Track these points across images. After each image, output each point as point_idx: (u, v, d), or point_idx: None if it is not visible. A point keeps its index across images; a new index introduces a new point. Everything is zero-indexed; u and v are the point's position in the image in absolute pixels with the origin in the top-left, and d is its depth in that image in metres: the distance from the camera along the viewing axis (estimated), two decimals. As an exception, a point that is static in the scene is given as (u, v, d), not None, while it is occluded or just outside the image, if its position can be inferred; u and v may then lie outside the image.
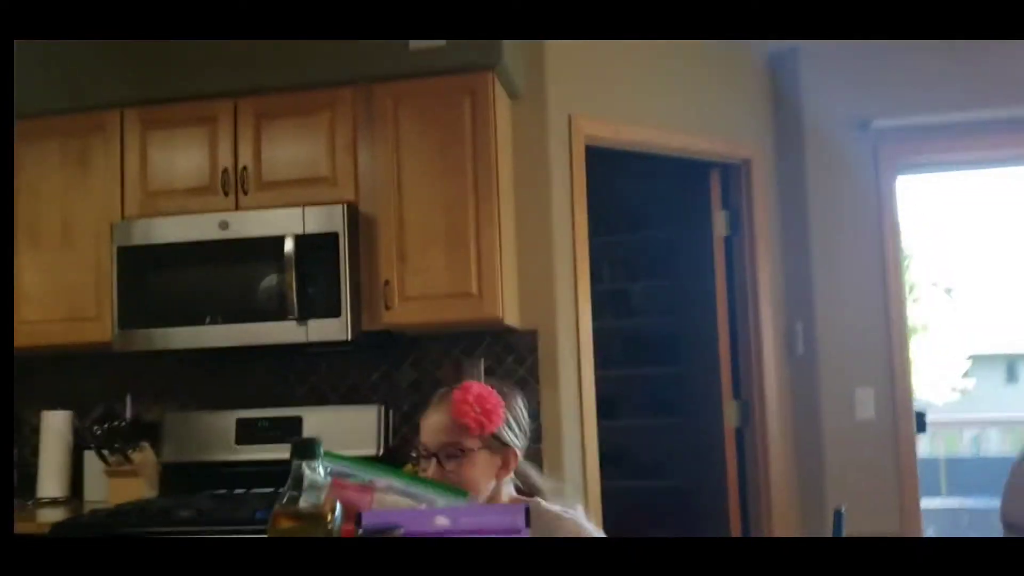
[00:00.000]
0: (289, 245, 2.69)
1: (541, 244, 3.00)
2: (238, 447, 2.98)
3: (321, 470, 1.04)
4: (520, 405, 1.50)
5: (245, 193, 2.86)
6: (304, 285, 2.69)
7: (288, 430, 2.96)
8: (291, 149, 2.86)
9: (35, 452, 3.11)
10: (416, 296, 2.74)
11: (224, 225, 2.78)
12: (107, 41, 2.86)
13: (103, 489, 2.98)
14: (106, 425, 2.96)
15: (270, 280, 2.72)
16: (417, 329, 2.86)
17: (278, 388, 3.13)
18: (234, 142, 2.88)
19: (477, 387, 1.44)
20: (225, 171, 2.88)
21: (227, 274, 2.78)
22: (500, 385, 1.51)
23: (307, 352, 3.03)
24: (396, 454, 2.96)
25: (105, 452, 2.95)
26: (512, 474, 1.48)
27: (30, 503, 3.00)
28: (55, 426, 3.10)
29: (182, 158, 2.92)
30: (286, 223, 2.74)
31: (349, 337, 2.69)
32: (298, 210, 2.75)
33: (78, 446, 3.10)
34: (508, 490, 1.48)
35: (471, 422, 1.39)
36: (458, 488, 1.20)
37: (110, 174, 2.96)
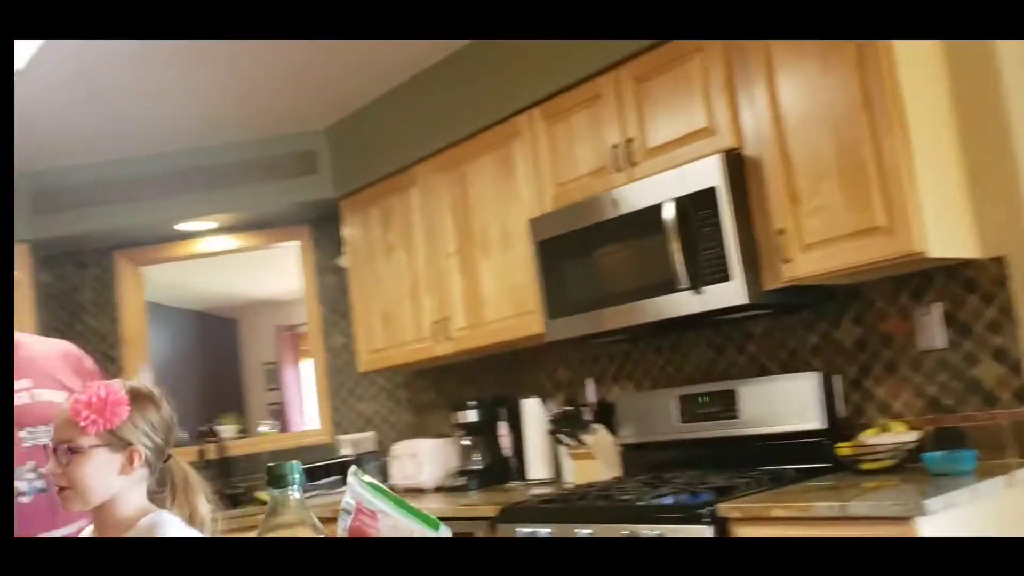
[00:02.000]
0: (668, 211, 2.51)
1: (996, 153, 2.29)
2: (681, 426, 2.88)
3: (297, 494, 0.97)
4: (156, 402, 1.50)
5: (634, 165, 2.76)
6: (693, 250, 2.49)
7: (725, 406, 2.76)
8: (669, 108, 2.67)
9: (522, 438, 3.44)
10: (816, 242, 2.32)
11: (614, 203, 2.72)
12: (510, 47, 3.05)
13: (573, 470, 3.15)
14: (564, 410, 3.12)
15: (658, 251, 2.58)
16: (827, 279, 2.42)
17: (719, 361, 2.94)
18: (620, 115, 2.81)
19: (98, 385, 1.45)
20: (615, 147, 2.82)
21: (621, 252, 2.71)
22: (140, 388, 1.51)
23: (732, 321, 2.79)
24: (845, 425, 2.55)
25: (562, 436, 3.11)
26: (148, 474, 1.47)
27: (521, 484, 3.32)
28: (532, 413, 3.38)
29: (580, 144, 2.95)
30: (664, 188, 2.57)
31: (748, 300, 2.40)
32: (674, 172, 2.56)
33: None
34: (139, 491, 1.47)
35: (83, 420, 1.40)
36: (432, 519, 1.01)
37: (529, 175, 3.13)
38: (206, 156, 4.15)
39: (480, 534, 2.77)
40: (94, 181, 4.16)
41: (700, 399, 2.84)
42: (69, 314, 4.47)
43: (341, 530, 1.06)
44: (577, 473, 3.09)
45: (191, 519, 1.49)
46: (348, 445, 4.20)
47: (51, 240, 4.23)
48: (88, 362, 2.11)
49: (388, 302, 3.77)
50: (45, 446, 1.82)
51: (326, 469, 4.01)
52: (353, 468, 1.06)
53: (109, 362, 4.44)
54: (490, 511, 2.76)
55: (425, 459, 3.65)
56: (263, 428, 5.18)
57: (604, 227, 2.75)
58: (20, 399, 1.89)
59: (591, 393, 3.22)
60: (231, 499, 4.12)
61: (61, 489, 1.42)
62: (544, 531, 2.53)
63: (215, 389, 7.59)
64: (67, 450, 1.41)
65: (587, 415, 3.10)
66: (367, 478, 1.04)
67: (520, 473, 3.40)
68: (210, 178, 4.15)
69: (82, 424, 1.40)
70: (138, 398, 1.47)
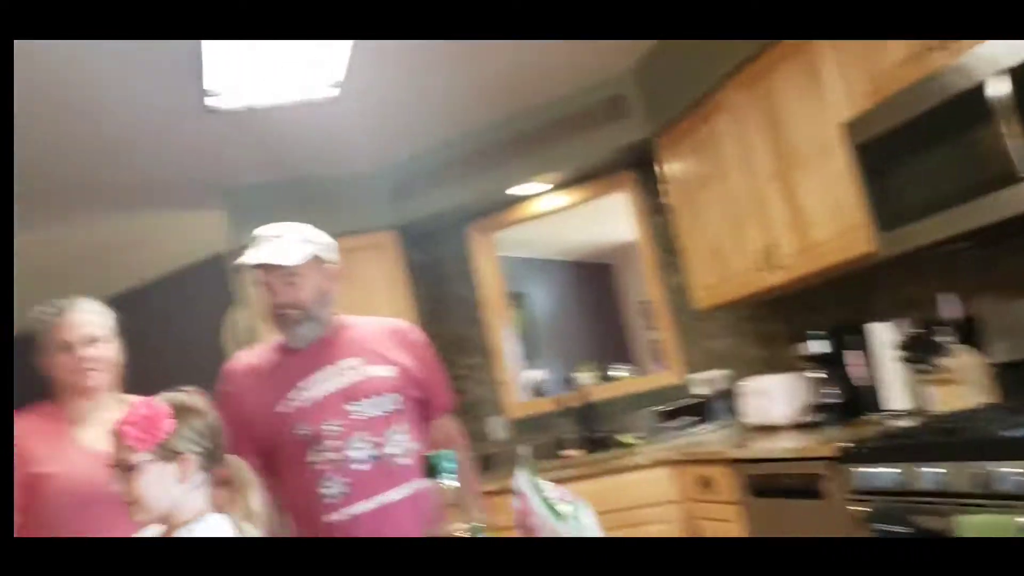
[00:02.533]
0: (994, 87, 2.07)
1: None
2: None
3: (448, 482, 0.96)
4: (199, 410, 1.60)
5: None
6: (1038, 128, 2.03)
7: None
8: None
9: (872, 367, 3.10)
10: None
11: (940, 87, 2.31)
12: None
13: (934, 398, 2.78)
14: (916, 332, 2.76)
15: (985, 139, 2.14)
16: None
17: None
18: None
19: (139, 404, 1.55)
20: (930, 21, 2.38)
21: (955, 143, 2.29)
22: (183, 400, 1.60)
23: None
24: None
25: (916, 362, 2.75)
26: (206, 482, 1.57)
27: (878, 416, 3.00)
28: (883, 338, 3.03)
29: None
30: (996, 60, 2.11)
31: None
32: (1001, 43, 2.09)
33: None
34: (198, 495, 1.55)
35: (131, 440, 1.51)
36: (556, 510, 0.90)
37: (836, 75, 2.78)
38: (523, 121, 4.30)
39: (824, 474, 2.56)
40: (437, 164, 4.53)
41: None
42: (436, 286, 4.94)
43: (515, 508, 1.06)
44: (941, 401, 2.72)
45: (247, 516, 1.59)
46: (701, 384, 4.14)
47: (411, 223, 4.69)
48: (414, 334, 2.29)
49: (713, 235, 3.62)
50: (372, 417, 2.04)
51: (680, 410, 4.00)
52: (521, 457, 1.04)
53: (473, 324, 4.84)
54: (828, 451, 2.55)
55: (775, 395, 3.47)
56: (617, 373, 5.28)
57: (930, 116, 2.35)
58: (349, 377, 2.10)
59: (949, 309, 2.80)
60: (594, 443, 4.29)
61: (128, 503, 1.51)
62: (890, 472, 2.27)
63: (600, 334, 7.92)
64: (123, 469, 1.50)
65: (944, 335, 2.71)
66: (527, 470, 1.02)
67: (876, 405, 3.08)
68: (532, 141, 4.30)
69: (130, 444, 1.50)
70: (181, 409, 1.57)
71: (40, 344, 2.09)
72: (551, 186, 4.54)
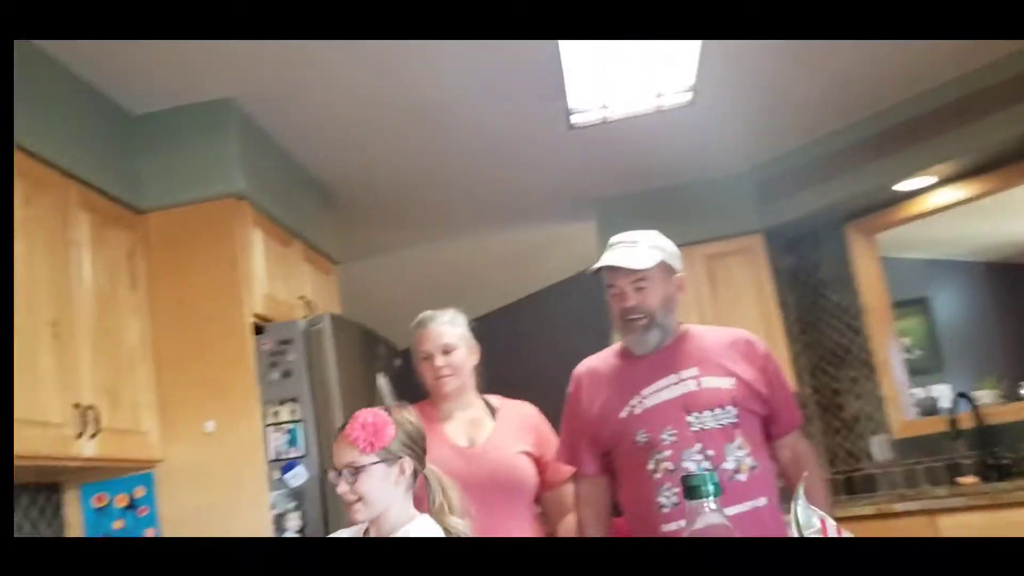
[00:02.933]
0: None
1: None
2: None
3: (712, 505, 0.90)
4: (411, 421, 1.78)
5: None
6: None
7: None
8: None
9: None
10: None
11: None
12: None
13: None
14: None
15: None
16: None
17: None
18: None
19: (364, 413, 1.71)
20: None
21: None
22: (399, 407, 1.81)
23: None
24: None
25: None
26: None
27: None
28: None
29: None
30: None
31: None
32: None
33: None
34: (408, 498, 1.73)
35: (361, 443, 1.67)
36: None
37: None
38: (904, 110, 3.91)
39: None
40: (805, 163, 4.30)
41: None
42: (810, 292, 4.68)
43: None
44: None
45: (447, 519, 1.70)
46: None
47: (780, 226, 4.50)
48: (759, 347, 2.21)
49: None
50: (709, 429, 2.03)
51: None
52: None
53: (853, 334, 4.50)
54: None
55: None
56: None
57: None
58: (687, 387, 2.09)
59: None
60: (995, 471, 3.76)
61: (351, 503, 1.65)
62: None
63: (1014, 346, 6.91)
64: (352, 470, 1.65)
65: None
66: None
67: None
68: (916, 131, 3.90)
69: (361, 447, 1.66)
70: (399, 419, 1.72)
71: (412, 353, 2.37)
72: (935, 180, 4.07)
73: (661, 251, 2.14)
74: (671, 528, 2.00)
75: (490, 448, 2.22)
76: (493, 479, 2.17)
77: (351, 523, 1.72)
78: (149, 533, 2.64)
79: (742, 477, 2.02)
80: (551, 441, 2.32)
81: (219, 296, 2.80)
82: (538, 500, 2.31)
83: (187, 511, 2.65)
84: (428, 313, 2.32)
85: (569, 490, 2.31)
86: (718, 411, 2.06)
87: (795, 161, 4.35)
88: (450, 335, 2.28)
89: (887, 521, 3.54)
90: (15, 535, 2.47)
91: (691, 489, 0.92)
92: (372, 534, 1.69)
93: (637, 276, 2.07)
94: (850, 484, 4.44)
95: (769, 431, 2.17)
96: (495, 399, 2.36)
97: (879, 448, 4.39)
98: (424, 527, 1.66)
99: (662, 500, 2.02)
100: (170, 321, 2.81)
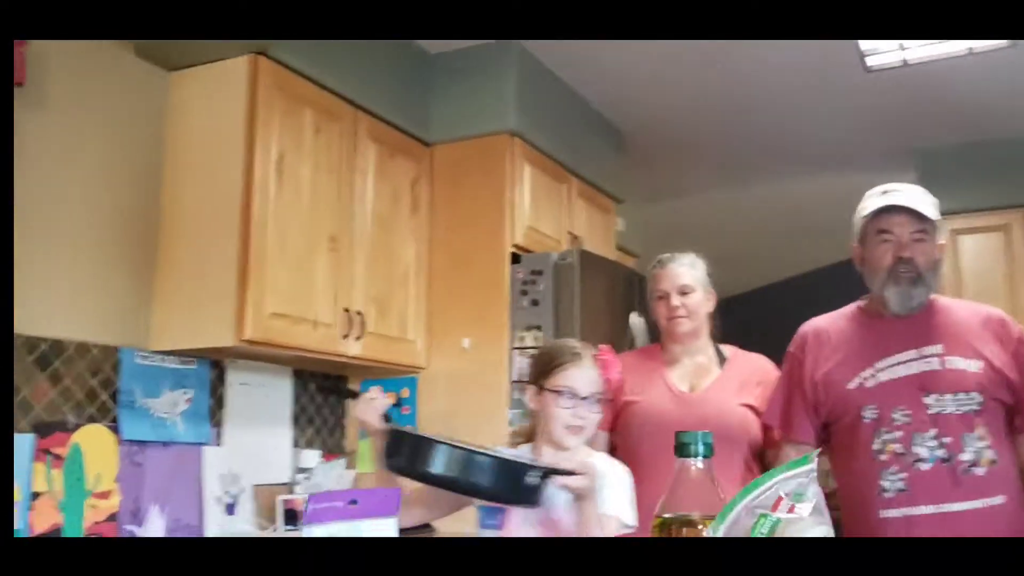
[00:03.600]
0: None
1: None
2: None
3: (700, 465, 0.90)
4: None
5: None
6: None
7: None
8: None
9: None
10: None
11: None
12: None
13: None
14: None
15: None
16: None
17: None
18: None
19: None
20: None
21: None
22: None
23: None
24: None
25: None
26: None
27: None
28: None
29: None
30: None
31: None
32: None
33: None
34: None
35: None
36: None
37: None
38: None
39: None
40: None
41: None
42: None
43: None
44: None
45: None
46: None
47: None
48: (1015, 328, 1.97)
49: None
50: (948, 414, 1.88)
51: None
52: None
53: None
54: None
55: None
56: None
57: None
58: (929, 364, 1.91)
59: None
60: None
61: (581, 429, 1.69)
62: None
63: None
64: (600, 400, 1.72)
65: None
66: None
67: None
68: None
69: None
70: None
71: (648, 292, 2.34)
72: None
73: (936, 207, 1.96)
74: (891, 515, 1.86)
75: (710, 396, 2.16)
76: (704, 427, 2.07)
77: (564, 446, 1.71)
78: (408, 430, 2.99)
79: (980, 471, 1.83)
80: None
81: (486, 225, 3.04)
82: (760, 456, 2.20)
83: (439, 415, 2.96)
84: (668, 254, 2.30)
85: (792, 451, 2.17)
86: (961, 396, 1.87)
87: None
88: (688, 276, 2.22)
89: None
90: (306, 408, 2.97)
91: (681, 446, 0.91)
92: (546, 459, 1.71)
93: (919, 227, 1.91)
94: None
95: (1015, 422, 1.93)
96: (729, 349, 2.29)
97: None
98: (603, 463, 1.71)
99: (885, 484, 1.87)
100: (442, 245, 3.11)
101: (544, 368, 1.73)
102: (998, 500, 1.82)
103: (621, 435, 2.21)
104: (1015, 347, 1.92)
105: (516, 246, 3.06)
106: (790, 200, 5.04)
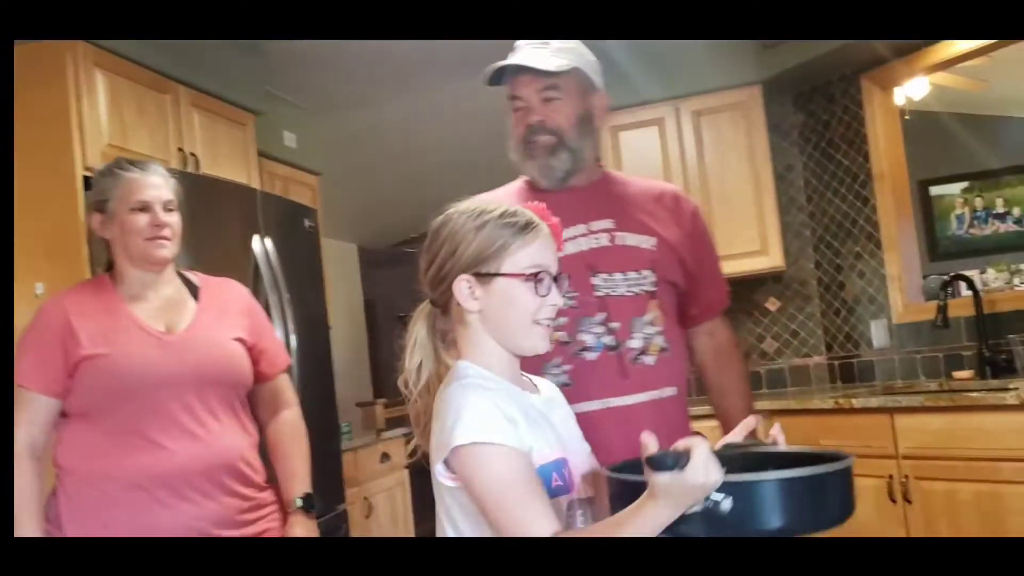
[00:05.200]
0: None
1: None
2: None
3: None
4: None
5: None
6: None
7: None
8: None
9: None
10: None
11: None
12: None
13: None
14: None
15: None
16: None
17: None
18: None
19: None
20: None
21: None
22: None
23: None
24: None
25: None
26: None
27: None
28: None
29: None
30: None
31: None
32: None
33: None
34: None
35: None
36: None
37: None
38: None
39: None
40: (810, -1, 3.69)
41: None
42: (821, 154, 4.16)
43: None
44: None
45: None
46: None
47: (785, 76, 3.96)
48: (688, 204, 1.86)
49: None
50: (617, 296, 1.71)
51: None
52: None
53: (861, 204, 3.99)
54: None
55: None
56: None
57: None
58: (598, 240, 1.74)
59: None
60: (989, 365, 3.32)
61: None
62: None
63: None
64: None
65: None
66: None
67: None
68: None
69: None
70: None
71: (102, 203, 1.83)
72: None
73: (578, 56, 1.76)
74: None
75: (196, 334, 1.82)
76: (200, 372, 1.77)
77: (537, 352, 1.34)
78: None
79: (649, 360, 1.71)
80: (266, 325, 2.00)
81: (49, 147, 2.61)
82: (249, 394, 1.93)
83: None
84: (139, 160, 1.90)
85: (286, 381, 2.00)
86: (632, 275, 1.72)
87: (796, -2, 3.75)
88: (171, 190, 1.85)
89: (847, 416, 3.19)
90: None
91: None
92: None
93: (546, 83, 1.71)
94: (847, 370, 4.05)
95: (688, 312, 1.84)
96: (194, 275, 1.94)
97: (877, 333, 3.96)
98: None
99: (547, 378, 1.67)
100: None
101: (489, 246, 1.26)
102: (668, 392, 1.73)
103: (80, 401, 1.75)
104: (690, 225, 1.82)
105: (92, 169, 2.64)
106: (492, 104, 4.81)
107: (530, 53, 1.73)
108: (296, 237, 3.14)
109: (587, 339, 1.69)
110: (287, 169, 3.95)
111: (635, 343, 1.70)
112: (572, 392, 1.61)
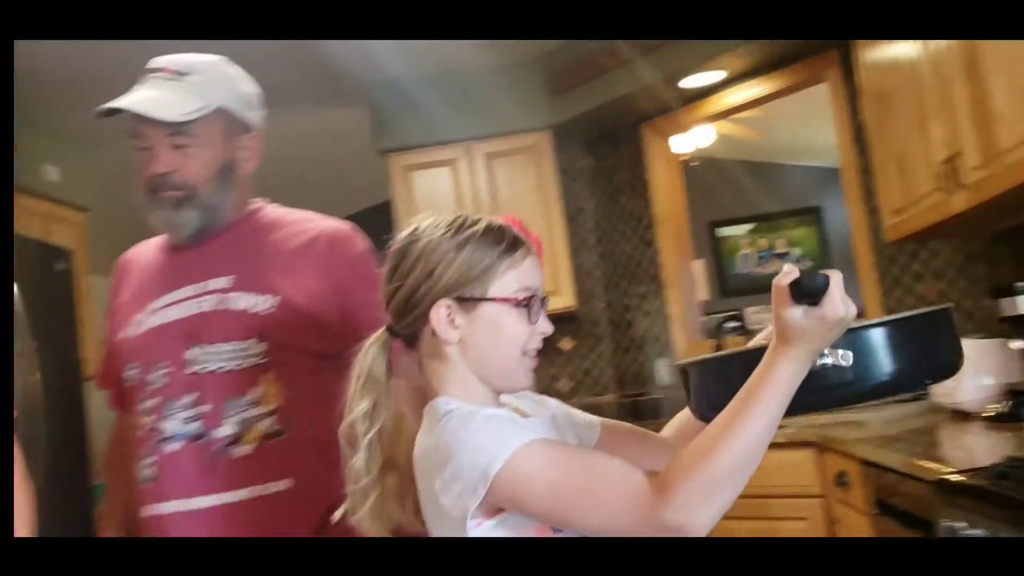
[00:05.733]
0: None
1: None
2: None
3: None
4: None
5: None
6: None
7: None
8: None
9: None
10: None
11: None
12: None
13: None
14: None
15: None
16: None
17: None
18: None
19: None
20: None
21: None
22: None
23: None
24: None
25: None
26: None
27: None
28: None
29: None
30: None
31: None
32: None
33: None
34: None
35: None
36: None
37: None
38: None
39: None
40: (598, 48, 3.85)
41: None
42: (608, 198, 4.33)
43: None
44: None
45: None
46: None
47: (575, 123, 4.10)
48: (349, 248, 1.54)
49: (898, 138, 2.65)
50: (216, 373, 1.44)
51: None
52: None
53: (645, 246, 4.17)
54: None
55: (966, 369, 2.49)
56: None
57: None
58: (201, 305, 1.47)
59: None
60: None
61: None
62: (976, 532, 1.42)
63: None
64: None
65: None
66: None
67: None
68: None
69: None
70: None
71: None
72: (725, 75, 3.69)
73: (223, 90, 1.51)
74: (146, 513, 1.46)
75: None
76: None
77: (521, 388, 1.19)
78: None
79: (245, 449, 1.42)
80: None
81: None
82: None
83: None
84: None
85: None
86: (235, 345, 1.43)
87: (584, 49, 3.91)
88: None
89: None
90: None
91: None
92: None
93: (173, 131, 1.45)
94: (637, 408, 4.20)
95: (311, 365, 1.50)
96: None
97: (663, 372, 4.14)
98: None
99: (144, 471, 1.46)
100: None
101: (473, 266, 1.09)
102: (278, 487, 1.41)
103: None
104: (345, 272, 1.51)
105: None
106: (278, 131, 4.71)
107: (153, 93, 1.46)
108: (46, 280, 2.92)
109: (169, 427, 1.43)
110: (48, 205, 3.70)
111: (225, 430, 1.41)
112: (152, 491, 1.44)
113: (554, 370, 4.33)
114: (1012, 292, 2.34)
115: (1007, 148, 1.98)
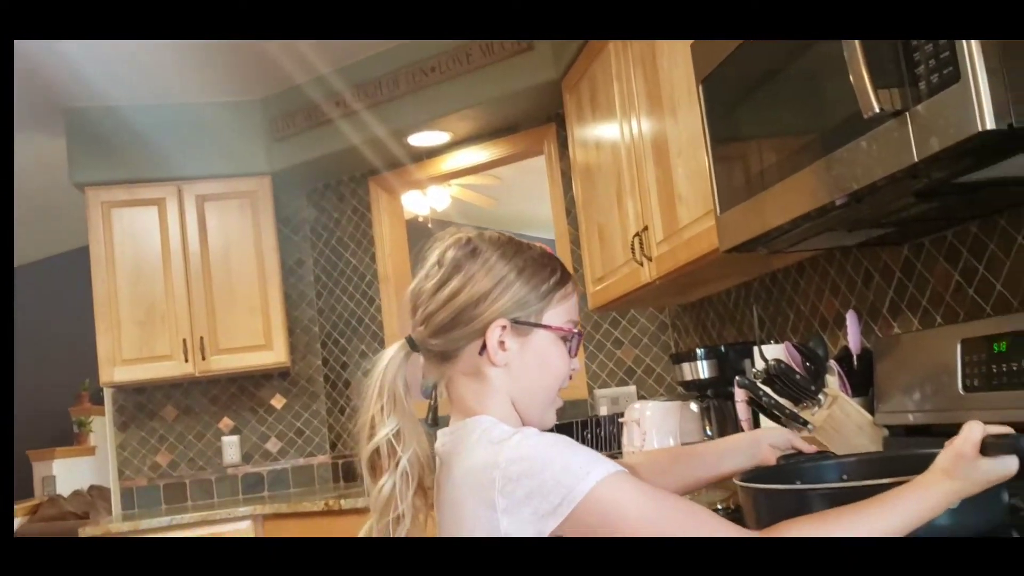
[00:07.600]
0: None
1: None
2: (967, 395, 1.61)
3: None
4: None
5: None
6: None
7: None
8: None
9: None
10: None
11: None
12: None
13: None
14: (772, 366, 1.98)
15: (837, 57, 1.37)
16: None
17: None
18: None
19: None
20: None
21: (800, 78, 1.53)
22: None
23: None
24: None
25: (772, 408, 1.97)
26: None
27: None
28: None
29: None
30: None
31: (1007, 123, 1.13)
32: None
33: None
34: None
35: None
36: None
37: None
38: (417, 50, 3.62)
39: None
40: (321, 96, 3.86)
41: (996, 346, 1.54)
42: (331, 251, 4.31)
43: None
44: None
45: None
46: (605, 402, 3.41)
47: (297, 172, 4.07)
48: None
49: (601, 211, 2.88)
50: None
51: (579, 431, 3.27)
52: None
53: (368, 303, 4.19)
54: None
55: (650, 426, 2.73)
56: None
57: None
58: None
59: (852, 336, 2.02)
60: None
61: None
62: None
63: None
64: None
65: (818, 374, 1.93)
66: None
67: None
68: (428, 74, 3.61)
69: None
70: None
71: None
72: (449, 138, 3.85)
73: None
74: None
75: None
76: None
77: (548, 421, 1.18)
78: None
79: None
80: None
81: None
82: None
83: None
84: None
85: None
86: None
87: (305, 97, 3.91)
88: None
89: (337, 517, 3.26)
90: None
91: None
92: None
93: None
94: (349, 470, 4.16)
95: None
96: None
97: (377, 432, 4.14)
98: None
99: None
100: None
101: (533, 290, 1.09)
102: None
103: None
104: None
105: None
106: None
107: None
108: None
109: None
110: None
111: None
112: None
113: (264, 429, 4.20)
114: (692, 358, 2.59)
115: (686, 224, 2.21)
